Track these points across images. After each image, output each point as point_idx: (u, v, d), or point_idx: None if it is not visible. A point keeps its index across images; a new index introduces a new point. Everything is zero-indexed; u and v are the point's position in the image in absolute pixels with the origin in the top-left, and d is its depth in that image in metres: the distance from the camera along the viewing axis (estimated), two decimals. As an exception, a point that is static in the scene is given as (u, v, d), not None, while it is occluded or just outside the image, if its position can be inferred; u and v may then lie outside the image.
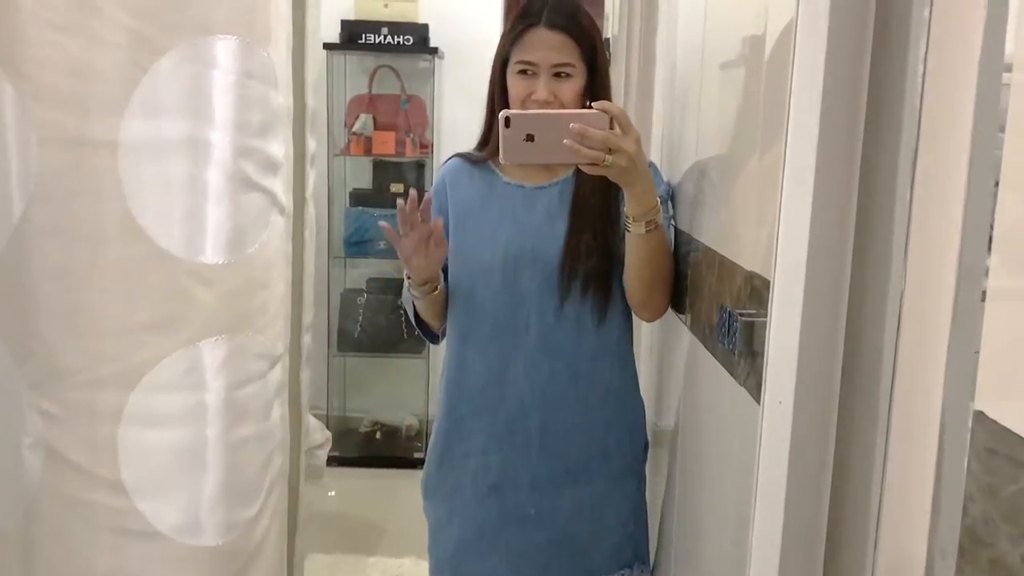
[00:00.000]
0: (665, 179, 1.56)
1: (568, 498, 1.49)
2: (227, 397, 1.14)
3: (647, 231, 1.31)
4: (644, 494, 1.59)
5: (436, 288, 1.48)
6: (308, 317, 1.38)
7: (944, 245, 0.75)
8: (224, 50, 1.08)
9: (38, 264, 1.10)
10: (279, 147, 1.18)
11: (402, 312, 3.71)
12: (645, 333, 1.89)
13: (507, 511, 1.49)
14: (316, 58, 1.33)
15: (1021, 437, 0.58)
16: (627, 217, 1.32)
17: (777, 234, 0.99)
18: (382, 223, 1.35)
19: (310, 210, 1.36)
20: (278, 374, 1.22)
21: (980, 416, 0.61)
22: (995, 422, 0.59)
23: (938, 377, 0.75)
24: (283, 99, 1.18)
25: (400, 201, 1.29)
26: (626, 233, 1.35)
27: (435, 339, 1.63)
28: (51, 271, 1.10)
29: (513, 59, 1.41)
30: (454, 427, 1.52)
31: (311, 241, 1.38)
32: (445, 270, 1.51)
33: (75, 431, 1.12)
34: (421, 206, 1.30)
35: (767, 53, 1.11)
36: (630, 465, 1.55)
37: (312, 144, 1.36)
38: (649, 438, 1.60)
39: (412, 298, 1.50)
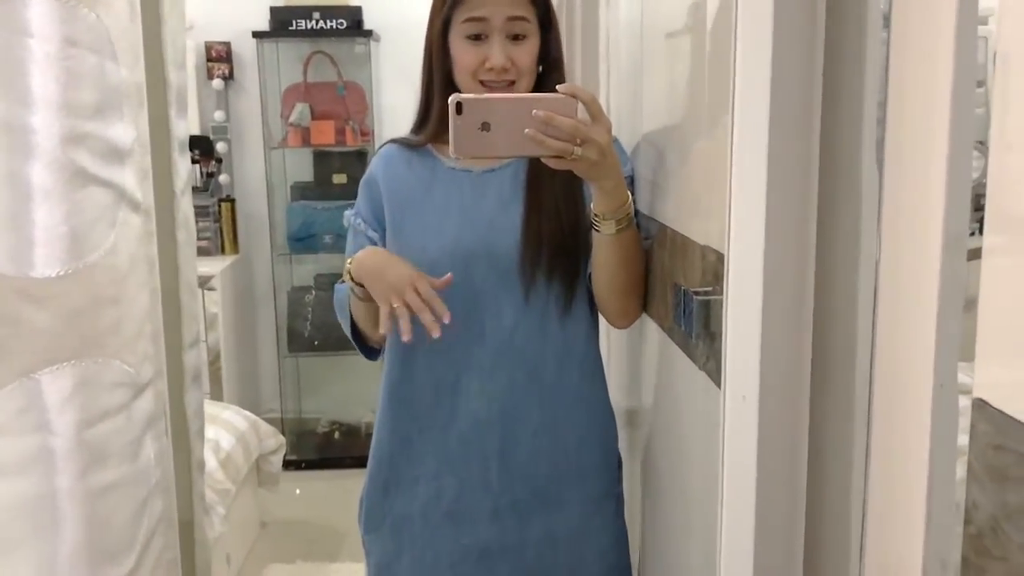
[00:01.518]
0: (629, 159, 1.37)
1: (537, 529, 1.30)
2: (78, 437, 0.94)
3: (618, 230, 1.14)
4: (624, 518, 1.40)
5: None
6: (191, 332, 1.18)
7: (925, 206, 0.66)
8: (38, 12, 0.88)
9: None
10: (125, 130, 0.97)
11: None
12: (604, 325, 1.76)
13: (466, 544, 1.30)
14: (178, 25, 1.12)
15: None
16: (595, 216, 1.15)
17: (729, 199, 0.87)
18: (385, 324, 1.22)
19: (183, 206, 1.15)
20: (147, 404, 1.02)
21: (981, 405, 0.53)
22: (1001, 412, 0.52)
23: (927, 359, 0.66)
24: (126, 72, 0.97)
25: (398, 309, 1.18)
26: (594, 233, 1.17)
27: (374, 355, 1.43)
28: None
29: (458, 19, 1.21)
30: (400, 449, 1.32)
31: (188, 243, 1.17)
32: None
33: None
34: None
35: (710, 18, 1.00)
36: (607, 486, 1.36)
37: (181, 127, 1.15)
38: (621, 451, 1.42)
39: (350, 304, 1.31)
